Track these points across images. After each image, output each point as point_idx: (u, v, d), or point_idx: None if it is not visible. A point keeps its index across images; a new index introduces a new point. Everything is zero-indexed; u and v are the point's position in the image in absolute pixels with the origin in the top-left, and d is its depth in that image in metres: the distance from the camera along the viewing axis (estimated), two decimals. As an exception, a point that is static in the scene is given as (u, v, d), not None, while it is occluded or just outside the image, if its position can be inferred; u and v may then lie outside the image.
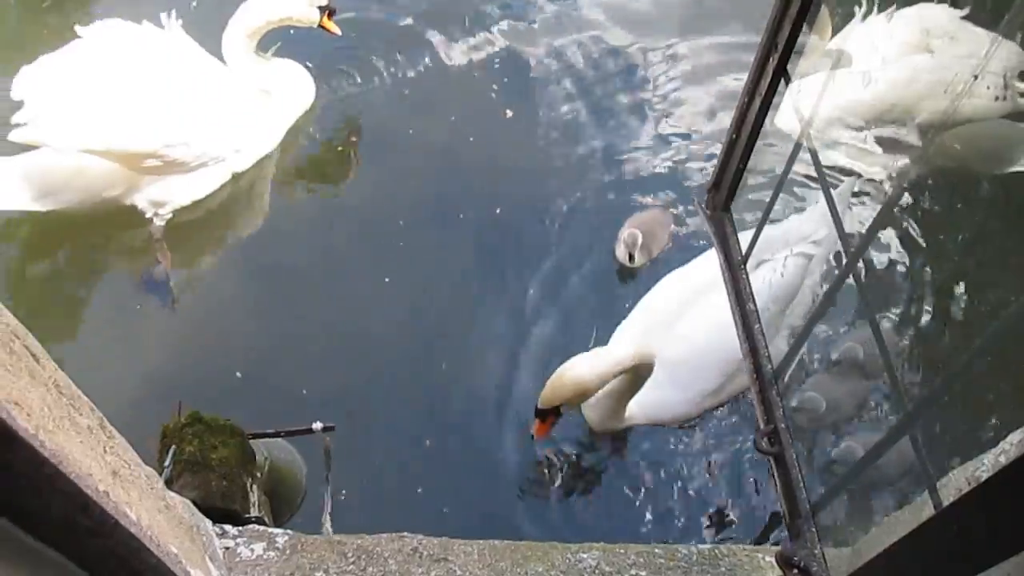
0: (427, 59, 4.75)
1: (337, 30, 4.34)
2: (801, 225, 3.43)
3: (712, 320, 3.18)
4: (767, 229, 3.38)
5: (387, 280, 3.80)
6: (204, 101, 3.87)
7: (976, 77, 3.50)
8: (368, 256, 3.97)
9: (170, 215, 3.90)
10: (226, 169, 4.03)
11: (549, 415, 3.01)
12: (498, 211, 4.11)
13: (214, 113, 3.89)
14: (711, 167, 4.23)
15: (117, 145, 3.54)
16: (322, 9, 4.21)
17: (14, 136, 3.39)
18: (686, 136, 4.49)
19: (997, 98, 3.52)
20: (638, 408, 3.26)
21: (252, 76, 4.15)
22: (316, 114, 4.49)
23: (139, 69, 3.68)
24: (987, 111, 3.63)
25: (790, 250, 3.32)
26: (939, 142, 3.55)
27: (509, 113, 4.52)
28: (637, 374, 3.06)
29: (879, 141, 3.70)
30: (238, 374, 3.44)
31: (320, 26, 4.27)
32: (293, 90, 4.35)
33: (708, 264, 3.39)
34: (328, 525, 2.83)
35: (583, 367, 2.92)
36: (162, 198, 3.84)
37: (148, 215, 3.85)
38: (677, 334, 3.22)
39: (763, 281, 3.18)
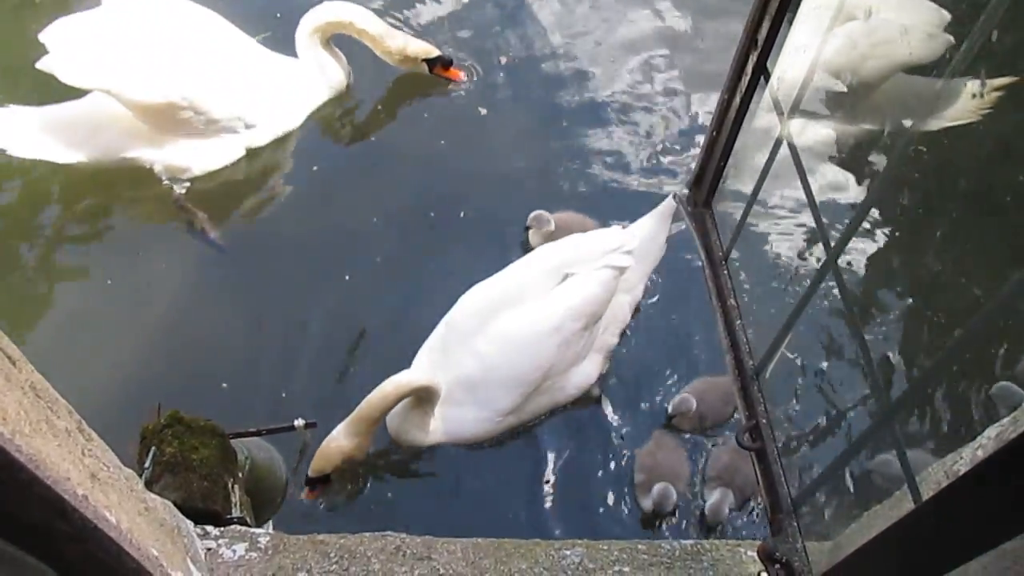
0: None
1: (460, 76, 4.51)
2: (614, 236, 3.31)
3: (506, 338, 3.10)
4: (581, 240, 3.38)
5: (347, 278, 3.79)
6: (224, 70, 3.96)
7: (905, 31, 3.79)
8: (340, 252, 3.96)
9: (188, 183, 4.00)
10: (239, 144, 4.10)
11: (319, 483, 3.04)
12: (461, 214, 4.11)
13: (232, 83, 3.97)
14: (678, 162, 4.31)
15: (128, 92, 3.63)
16: (431, 63, 4.37)
17: (41, 64, 3.49)
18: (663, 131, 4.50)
19: (926, 48, 3.77)
20: (441, 423, 3.17)
21: (309, 57, 4.27)
22: (347, 102, 4.52)
23: (170, 30, 3.82)
24: (921, 59, 3.82)
25: (598, 263, 3.20)
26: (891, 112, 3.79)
27: (483, 111, 4.51)
28: (420, 398, 3.03)
29: (839, 115, 3.83)
30: (224, 385, 3.40)
31: (435, 74, 4.43)
32: (322, 76, 4.38)
33: (507, 277, 3.29)
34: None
35: (341, 438, 2.97)
36: (178, 164, 3.95)
37: (164, 181, 3.95)
38: (474, 351, 3.10)
39: (565, 295, 3.14)
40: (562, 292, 3.15)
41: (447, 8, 5.03)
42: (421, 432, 3.14)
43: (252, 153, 4.19)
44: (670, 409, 3.26)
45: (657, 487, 3.04)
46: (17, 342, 1.44)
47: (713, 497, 3.09)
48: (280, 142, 4.28)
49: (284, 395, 3.38)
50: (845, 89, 3.83)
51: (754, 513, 3.21)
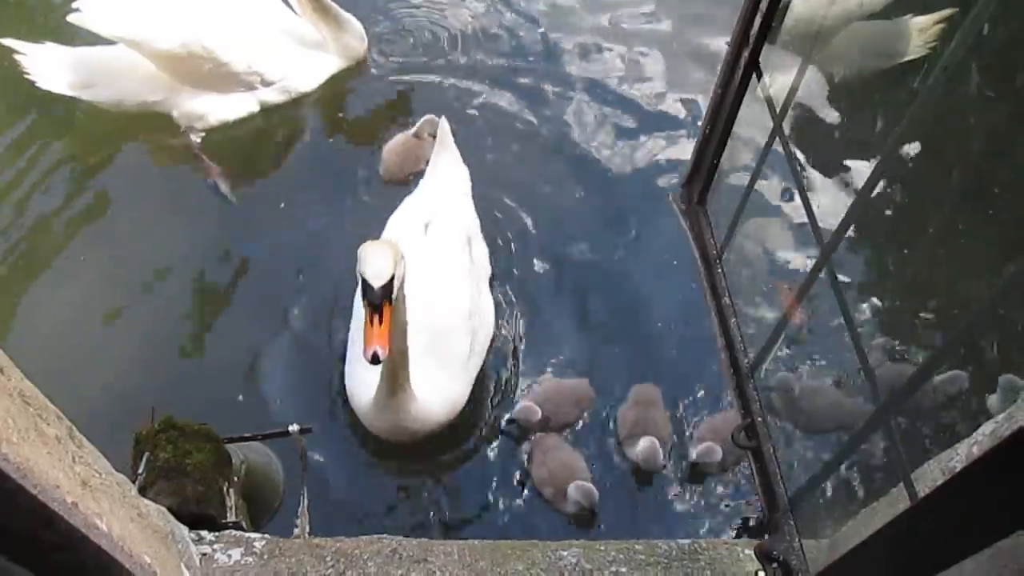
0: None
1: None
2: (437, 172, 3.62)
3: (427, 303, 3.06)
4: (419, 193, 3.56)
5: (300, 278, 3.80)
6: (248, 28, 4.17)
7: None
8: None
9: (203, 133, 4.24)
10: (254, 99, 4.31)
11: (386, 299, 2.51)
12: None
13: (253, 40, 4.17)
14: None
15: (149, 41, 3.86)
16: None
17: (71, 18, 3.79)
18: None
19: None
20: (426, 398, 3.04)
21: (307, 17, 4.37)
22: (366, 74, 4.64)
23: None
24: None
25: (442, 197, 3.50)
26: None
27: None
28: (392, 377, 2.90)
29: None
30: (240, 398, 3.38)
31: None
32: (336, 43, 4.48)
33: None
34: (305, 529, 2.80)
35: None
36: (195, 112, 4.19)
37: (181, 128, 4.22)
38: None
39: (444, 234, 3.29)
40: (439, 234, 3.30)
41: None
42: (407, 414, 3.02)
43: (267, 114, 4.38)
44: (512, 414, 3.25)
45: (573, 489, 2.99)
46: (3, 344, 1.43)
47: (642, 444, 3.11)
48: (295, 104, 4.45)
49: (279, 402, 3.36)
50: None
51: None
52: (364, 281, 2.48)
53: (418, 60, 4.80)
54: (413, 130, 4.18)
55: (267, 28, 4.29)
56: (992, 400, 2.98)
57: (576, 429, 3.34)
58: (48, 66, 4.00)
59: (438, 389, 3.14)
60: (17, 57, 3.95)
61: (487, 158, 4.33)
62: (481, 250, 3.63)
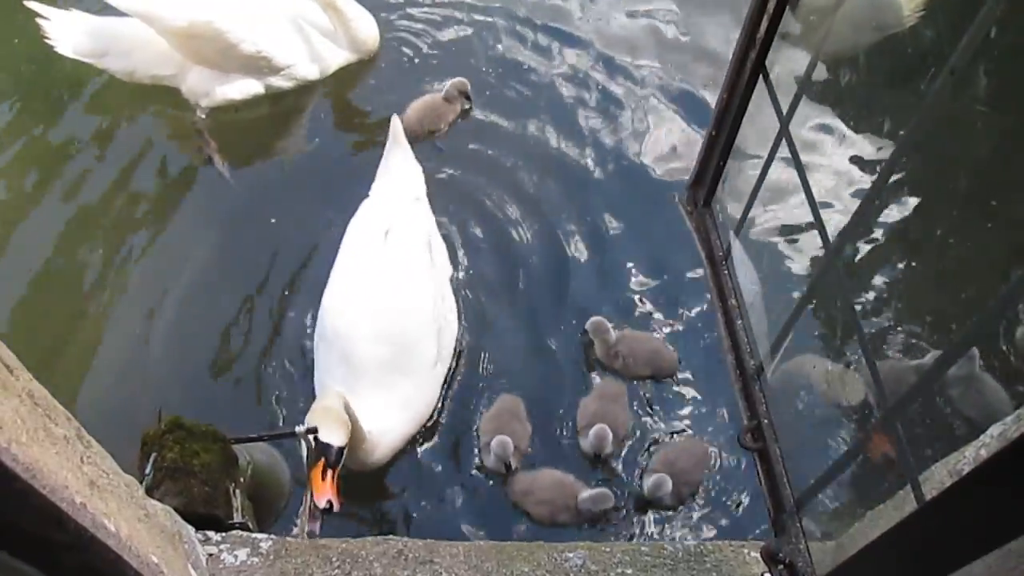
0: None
1: None
2: (391, 177, 3.58)
3: (392, 306, 3.11)
4: (376, 199, 3.52)
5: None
6: (258, 12, 4.22)
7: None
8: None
9: (208, 111, 4.33)
10: (260, 82, 4.38)
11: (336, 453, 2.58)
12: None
13: (263, 25, 4.23)
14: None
15: (158, 15, 3.95)
16: None
17: None
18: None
19: None
20: (392, 415, 3.03)
21: (328, 17, 4.41)
22: (376, 69, 4.68)
23: None
24: None
25: (399, 203, 3.48)
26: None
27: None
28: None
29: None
30: (246, 399, 3.36)
31: None
32: (350, 34, 4.51)
33: (347, 267, 3.32)
34: (303, 529, 2.80)
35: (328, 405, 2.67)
36: (201, 89, 4.28)
37: (191, 103, 4.33)
38: (375, 336, 3.04)
39: (403, 239, 3.29)
40: (400, 240, 3.29)
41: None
42: (369, 460, 3.00)
43: (274, 100, 4.44)
44: (492, 464, 3.16)
45: (585, 500, 2.98)
46: (12, 345, 1.43)
47: (593, 431, 3.13)
48: (304, 91, 4.50)
49: (283, 402, 3.36)
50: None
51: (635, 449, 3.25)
52: (321, 442, 2.57)
53: (431, 57, 4.79)
54: (443, 92, 4.28)
55: (281, 14, 4.35)
56: (954, 370, 2.97)
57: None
58: (68, 32, 4.11)
59: (401, 407, 3.10)
60: (39, 21, 4.04)
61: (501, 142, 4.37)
62: (440, 250, 3.63)
